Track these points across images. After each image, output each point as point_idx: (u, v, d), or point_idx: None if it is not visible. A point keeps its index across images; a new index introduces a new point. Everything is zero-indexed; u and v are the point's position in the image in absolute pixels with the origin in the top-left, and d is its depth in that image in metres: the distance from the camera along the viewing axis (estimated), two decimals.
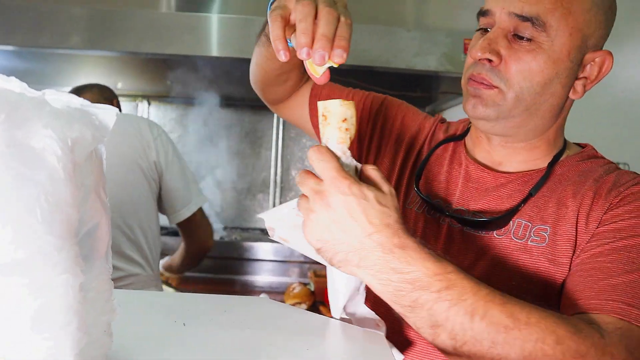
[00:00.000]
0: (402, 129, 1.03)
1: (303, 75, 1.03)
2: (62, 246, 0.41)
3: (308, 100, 1.05)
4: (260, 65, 0.97)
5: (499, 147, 0.89)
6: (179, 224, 1.76)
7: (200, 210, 1.76)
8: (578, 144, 0.93)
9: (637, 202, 0.78)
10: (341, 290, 0.70)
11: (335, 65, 0.67)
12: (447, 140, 0.98)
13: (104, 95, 1.80)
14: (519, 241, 0.82)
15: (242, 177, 3.08)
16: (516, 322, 0.62)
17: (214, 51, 2.07)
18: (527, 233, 0.82)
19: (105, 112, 0.45)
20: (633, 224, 0.76)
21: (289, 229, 0.70)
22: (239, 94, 2.84)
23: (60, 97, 0.44)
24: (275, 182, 3.07)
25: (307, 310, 1.76)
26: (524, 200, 0.84)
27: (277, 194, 3.07)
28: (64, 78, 2.59)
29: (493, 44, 0.80)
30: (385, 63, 1.93)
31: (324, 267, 0.68)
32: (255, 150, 3.09)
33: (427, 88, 2.34)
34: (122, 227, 1.56)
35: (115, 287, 1.65)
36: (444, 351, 0.64)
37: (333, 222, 0.63)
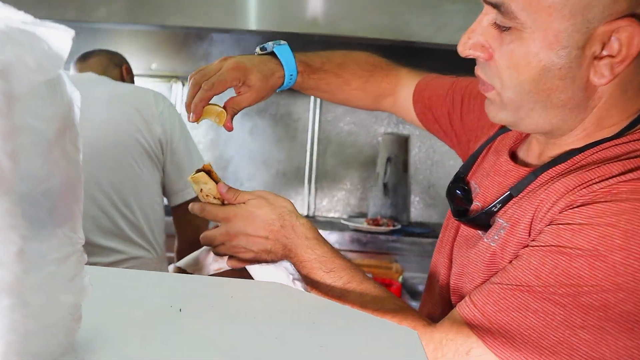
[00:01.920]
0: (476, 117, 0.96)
1: (375, 91, 1.08)
2: None
3: (412, 106, 1.07)
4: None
5: (539, 139, 0.77)
6: (176, 207, 1.61)
7: None
8: None
9: (608, 204, 0.60)
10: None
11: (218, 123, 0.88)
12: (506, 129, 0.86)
13: (113, 60, 1.67)
14: (485, 241, 0.74)
15: (276, 161, 2.99)
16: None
17: (252, 24, 1.97)
18: (495, 233, 0.72)
19: (57, 34, 0.35)
20: (576, 232, 0.61)
21: (217, 263, 0.87)
22: None
23: None
24: (310, 166, 2.97)
25: None
26: (502, 201, 0.72)
27: (313, 179, 2.97)
28: None
29: (475, 35, 0.67)
30: (426, 38, 1.80)
31: None
32: (290, 134, 2.99)
33: (472, 65, 2.19)
34: (120, 207, 1.45)
35: None
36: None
37: (246, 244, 0.81)
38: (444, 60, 2.14)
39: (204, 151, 2.95)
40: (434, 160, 2.91)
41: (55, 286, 0.41)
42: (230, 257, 0.84)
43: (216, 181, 0.84)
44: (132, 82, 1.77)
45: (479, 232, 0.77)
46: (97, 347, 0.46)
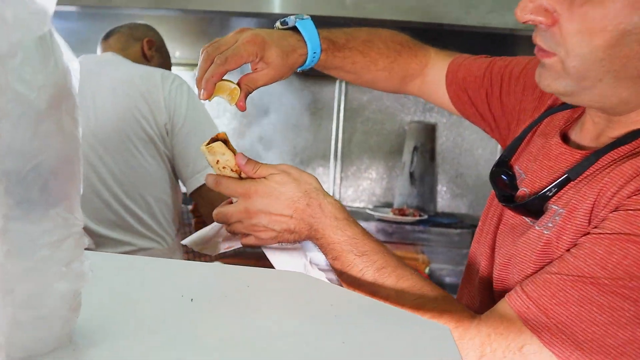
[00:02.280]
0: (524, 96, 0.87)
1: (402, 72, 1.00)
2: None
3: (446, 89, 0.99)
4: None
5: (597, 118, 0.69)
6: (193, 194, 1.50)
7: None
8: None
9: None
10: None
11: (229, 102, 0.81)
12: (559, 109, 0.78)
13: (134, 35, 1.57)
14: (537, 229, 0.67)
15: (301, 149, 2.95)
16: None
17: (276, 7, 1.92)
18: (549, 220, 0.66)
19: None
20: None
21: (228, 241, 0.82)
22: None
23: None
24: (335, 154, 2.92)
25: None
26: (558, 185, 0.65)
27: (338, 167, 2.92)
28: None
29: None
30: (455, 20, 1.73)
31: None
32: (315, 122, 2.95)
33: (504, 49, 2.10)
34: (123, 199, 1.39)
35: None
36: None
37: (268, 223, 0.73)
38: (475, 43, 2.06)
39: None
40: (462, 149, 2.83)
41: (48, 272, 0.37)
42: (245, 234, 0.77)
43: (233, 152, 0.76)
44: (159, 53, 1.66)
45: (527, 219, 0.71)
46: (97, 339, 0.42)
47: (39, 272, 0.36)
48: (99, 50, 1.59)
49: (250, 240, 0.77)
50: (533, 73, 0.86)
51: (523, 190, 0.74)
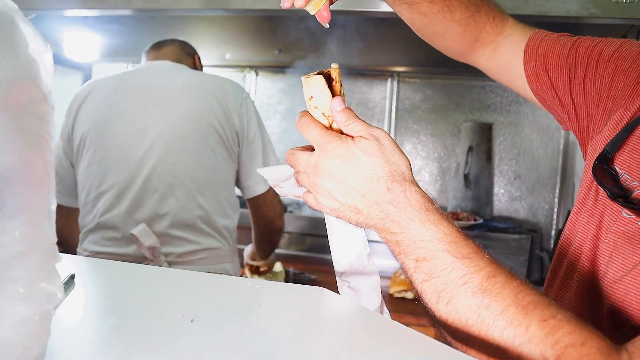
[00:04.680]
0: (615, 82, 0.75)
1: (475, 33, 0.89)
2: None
3: (523, 65, 0.87)
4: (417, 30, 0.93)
5: None
6: (248, 200, 1.58)
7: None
8: None
9: None
10: (338, 261, 0.68)
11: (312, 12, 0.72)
12: None
13: (185, 50, 1.65)
14: None
15: None
16: (480, 319, 0.52)
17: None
18: None
19: None
20: None
21: (298, 189, 0.70)
22: (351, 60, 2.62)
23: None
24: None
25: (413, 299, 1.47)
26: None
27: None
28: None
29: None
30: (512, 9, 1.61)
31: None
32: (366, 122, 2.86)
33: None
34: (196, 197, 1.39)
35: (187, 262, 1.44)
36: None
37: (333, 190, 0.63)
38: None
39: (276, 142, 2.90)
40: (521, 149, 2.68)
41: (5, 293, 0.32)
42: (309, 190, 0.67)
43: (334, 93, 0.66)
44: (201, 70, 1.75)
45: None
46: None
47: None
48: (144, 58, 1.63)
49: (310, 200, 0.66)
50: (627, 56, 0.74)
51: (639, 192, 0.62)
